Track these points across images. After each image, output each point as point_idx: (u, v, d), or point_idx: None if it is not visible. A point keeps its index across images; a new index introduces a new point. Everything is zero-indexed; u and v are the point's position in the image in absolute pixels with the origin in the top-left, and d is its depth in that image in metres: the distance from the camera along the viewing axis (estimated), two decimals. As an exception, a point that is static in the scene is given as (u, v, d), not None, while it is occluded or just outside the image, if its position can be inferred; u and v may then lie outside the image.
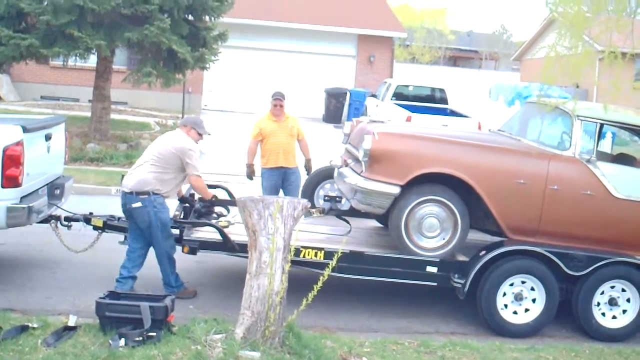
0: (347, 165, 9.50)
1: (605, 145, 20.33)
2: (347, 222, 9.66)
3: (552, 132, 9.51)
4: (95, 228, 9.14)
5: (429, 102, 25.40)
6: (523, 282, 8.53)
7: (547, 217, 8.67)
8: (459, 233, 8.61)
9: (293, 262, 7.09)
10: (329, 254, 8.21)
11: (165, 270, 8.66)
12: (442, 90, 26.20)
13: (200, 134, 8.89)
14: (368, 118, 11.44)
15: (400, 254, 8.64)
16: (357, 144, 9.33)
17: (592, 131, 9.09)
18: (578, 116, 8.91)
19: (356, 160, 9.17)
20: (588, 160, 8.77)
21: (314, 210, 9.82)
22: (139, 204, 8.42)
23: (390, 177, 8.44)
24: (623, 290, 8.70)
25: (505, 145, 9.11)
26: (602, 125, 9.34)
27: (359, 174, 8.74)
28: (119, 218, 9.11)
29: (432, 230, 8.58)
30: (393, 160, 8.48)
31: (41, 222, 9.15)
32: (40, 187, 8.99)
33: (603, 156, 10.04)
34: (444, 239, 8.65)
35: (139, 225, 8.54)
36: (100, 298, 7.24)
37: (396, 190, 8.43)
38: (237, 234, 8.55)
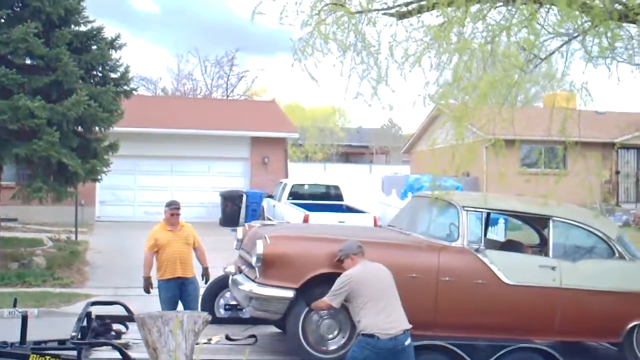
0: (241, 271, 9.43)
1: (499, 232, 20.91)
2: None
3: (441, 224, 9.75)
4: (-14, 356, 8.73)
5: (325, 199, 25.68)
6: (427, 377, 8.54)
7: (442, 308, 8.80)
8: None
9: (195, 376, 6.96)
10: (232, 366, 8.06)
11: None
12: (336, 187, 26.56)
13: None
14: (259, 222, 11.48)
15: (301, 360, 8.55)
16: (250, 249, 9.30)
17: (478, 220, 9.37)
18: (464, 207, 9.18)
19: (250, 266, 9.14)
20: (477, 250, 9.00)
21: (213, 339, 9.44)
22: None
23: (285, 281, 8.45)
24: (526, 375, 8.83)
25: (395, 241, 9.28)
26: (488, 214, 9.63)
27: (253, 280, 8.71)
28: (12, 344, 8.74)
29: (330, 331, 8.59)
30: (286, 263, 8.52)
31: None
32: None
33: (492, 244, 10.34)
34: (343, 337, 8.63)
35: None
36: None
37: (291, 294, 8.43)
38: (138, 351, 8.32)
